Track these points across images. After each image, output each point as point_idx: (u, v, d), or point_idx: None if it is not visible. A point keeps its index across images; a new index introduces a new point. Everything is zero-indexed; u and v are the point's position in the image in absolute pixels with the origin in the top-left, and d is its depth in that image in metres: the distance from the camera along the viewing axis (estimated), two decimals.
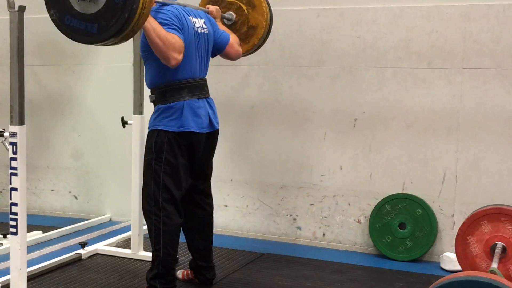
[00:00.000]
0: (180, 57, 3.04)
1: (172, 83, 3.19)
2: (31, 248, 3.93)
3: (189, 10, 3.28)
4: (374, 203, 4.27)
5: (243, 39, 3.70)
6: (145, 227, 3.54)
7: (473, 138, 4.04)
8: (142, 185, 3.36)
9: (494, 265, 3.02)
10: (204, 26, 3.33)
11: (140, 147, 3.94)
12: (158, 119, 3.21)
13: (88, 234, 4.53)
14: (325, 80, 4.39)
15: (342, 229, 4.42)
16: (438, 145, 4.12)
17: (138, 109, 4.00)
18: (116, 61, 4.83)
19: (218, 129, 3.40)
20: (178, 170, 3.21)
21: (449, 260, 3.93)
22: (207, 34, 3.34)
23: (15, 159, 2.89)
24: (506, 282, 2.42)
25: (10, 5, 2.83)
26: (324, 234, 4.47)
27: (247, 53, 3.77)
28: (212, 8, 3.55)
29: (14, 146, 2.88)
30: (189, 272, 3.62)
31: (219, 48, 3.47)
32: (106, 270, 3.83)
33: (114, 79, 4.94)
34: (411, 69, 4.15)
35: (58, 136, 5.24)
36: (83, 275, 3.74)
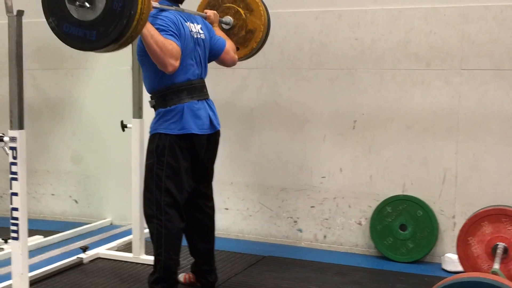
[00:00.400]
0: (177, 63, 3.04)
1: (170, 87, 3.19)
2: (32, 252, 3.92)
3: (186, 16, 3.28)
4: (374, 204, 4.27)
5: (241, 43, 3.70)
6: (146, 230, 3.53)
7: (472, 138, 4.04)
8: (143, 189, 3.35)
9: (496, 266, 3.02)
10: (201, 32, 3.34)
11: (140, 150, 3.94)
12: (159, 122, 3.22)
13: (89, 238, 4.52)
14: (324, 82, 4.39)
15: (343, 231, 4.42)
16: (437, 146, 4.13)
17: (138, 113, 4.00)
18: (115, 65, 4.83)
19: (219, 130, 3.40)
20: (180, 173, 3.21)
21: (451, 261, 3.93)
22: (203, 39, 3.34)
23: (15, 163, 2.89)
24: (508, 283, 2.42)
25: (9, 10, 2.83)
26: (325, 236, 4.47)
27: (245, 57, 3.78)
28: (210, 13, 3.55)
29: (14, 151, 2.88)
30: (191, 275, 3.61)
31: (214, 54, 3.47)
32: (108, 274, 3.83)
33: (113, 82, 4.95)
34: (410, 71, 4.16)
35: (58, 140, 5.24)
36: (85, 279, 3.74)
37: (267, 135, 4.58)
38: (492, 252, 3.22)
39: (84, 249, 4.11)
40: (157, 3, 3.15)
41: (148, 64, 3.16)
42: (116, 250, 4.28)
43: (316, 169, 4.46)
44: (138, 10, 2.58)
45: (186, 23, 3.22)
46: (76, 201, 5.24)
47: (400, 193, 4.22)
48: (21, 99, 2.89)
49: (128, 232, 4.53)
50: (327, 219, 4.46)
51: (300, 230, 4.54)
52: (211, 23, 3.52)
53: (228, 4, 3.71)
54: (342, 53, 4.32)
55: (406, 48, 4.15)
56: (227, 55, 3.51)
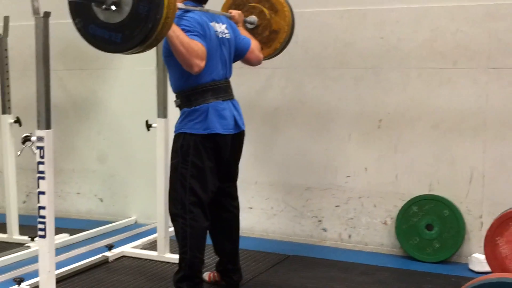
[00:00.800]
0: (202, 64, 3.05)
1: (196, 87, 3.20)
2: (58, 250, 3.95)
3: (211, 16, 3.29)
4: (400, 204, 4.23)
5: (265, 43, 3.70)
6: (171, 229, 3.55)
7: (500, 138, 3.99)
8: (168, 188, 3.37)
9: None
10: (226, 31, 3.34)
11: (164, 149, 3.96)
12: (184, 122, 3.23)
13: (114, 237, 4.56)
14: (349, 81, 4.37)
15: (368, 231, 4.39)
16: (464, 145, 4.08)
17: (162, 112, 4.02)
18: (140, 65, 4.85)
19: (244, 130, 3.40)
20: (204, 173, 3.22)
21: (478, 261, 3.88)
22: (228, 39, 3.35)
23: (42, 163, 2.91)
24: None
25: (36, 11, 2.85)
26: (350, 236, 4.45)
27: (268, 57, 3.78)
28: (235, 12, 3.56)
29: (41, 150, 2.90)
30: (215, 274, 3.62)
31: (239, 54, 3.48)
32: (133, 272, 3.85)
33: (138, 82, 4.98)
34: (436, 69, 4.12)
35: (83, 139, 5.29)
36: (111, 277, 3.76)
37: (291, 135, 4.57)
38: None
39: (110, 247, 4.14)
40: (182, 4, 3.16)
41: (174, 65, 3.17)
42: (141, 249, 4.31)
43: (341, 168, 4.44)
44: (164, 15, 2.59)
45: (211, 23, 3.22)
46: (101, 200, 5.28)
47: (426, 192, 4.18)
48: (48, 99, 2.91)
49: (152, 231, 4.55)
50: (352, 218, 4.43)
51: (324, 230, 4.53)
52: (236, 23, 3.52)
53: (253, 4, 3.71)
54: (367, 52, 4.29)
55: (432, 47, 4.11)
56: (252, 54, 3.52)
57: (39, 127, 2.90)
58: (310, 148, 4.52)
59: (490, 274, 2.66)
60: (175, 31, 2.95)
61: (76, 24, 2.73)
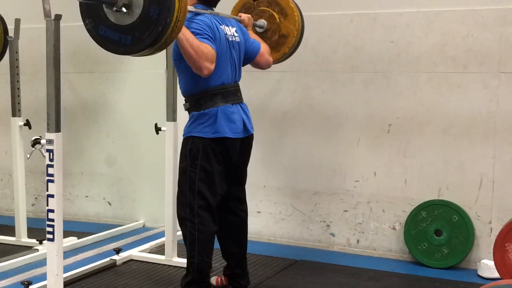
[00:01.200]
0: (212, 66, 3.05)
1: (205, 90, 3.20)
2: (66, 254, 3.95)
3: (221, 19, 3.29)
4: (409, 209, 4.21)
5: (273, 48, 3.70)
6: (179, 233, 3.54)
7: (510, 143, 3.96)
8: (176, 192, 3.36)
9: None
10: (236, 35, 3.34)
11: (173, 153, 3.95)
12: (193, 126, 3.22)
13: (122, 240, 4.56)
14: (359, 85, 4.35)
15: (376, 236, 4.37)
16: (474, 150, 4.06)
17: (172, 116, 4.01)
18: (149, 68, 4.86)
19: (252, 134, 3.40)
20: (213, 176, 3.21)
21: (487, 267, 3.85)
22: (238, 42, 3.34)
23: (51, 166, 2.90)
24: None
25: (47, 14, 2.85)
26: (358, 241, 4.43)
27: (277, 61, 3.78)
28: (244, 16, 3.56)
29: (51, 153, 2.90)
30: (223, 278, 3.61)
31: (249, 57, 3.48)
32: (140, 276, 3.85)
33: (147, 85, 4.98)
34: (446, 74, 4.10)
35: (92, 142, 5.29)
36: (118, 281, 3.76)
37: (300, 139, 4.56)
38: None
39: (117, 250, 4.14)
40: (192, 7, 3.16)
41: (183, 68, 3.17)
42: (149, 252, 4.30)
43: (349, 173, 4.43)
44: (174, 18, 2.59)
45: (221, 26, 3.23)
46: (109, 203, 5.28)
47: (435, 197, 4.16)
48: (58, 102, 2.91)
49: (160, 235, 4.55)
50: (360, 223, 4.41)
51: (332, 235, 4.51)
52: (245, 27, 3.52)
53: (263, 8, 3.71)
54: (377, 56, 4.27)
55: (443, 51, 4.09)
56: (262, 58, 3.52)
57: (48, 130, 2.90)
58: (318, 152, 4.50)
59: (499, 281, 2.63)
60: (185, 34, 2.95)
61: (86, 25, 2.74)
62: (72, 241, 4.43)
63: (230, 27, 3.32)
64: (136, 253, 4.23)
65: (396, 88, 4.25)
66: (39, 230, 3.78)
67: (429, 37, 4.13)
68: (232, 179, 3.37)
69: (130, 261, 4.14)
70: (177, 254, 4.09)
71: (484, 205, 4.05)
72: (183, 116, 3.54)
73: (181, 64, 3.16)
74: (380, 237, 4.36)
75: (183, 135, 3.29)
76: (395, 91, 4.25)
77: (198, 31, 3.06)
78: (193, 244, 3.22)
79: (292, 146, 4.59)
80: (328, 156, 4.48)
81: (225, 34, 3.23)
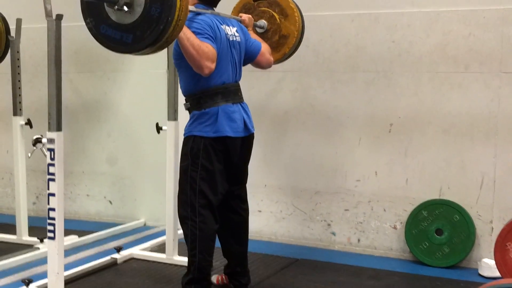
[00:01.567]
0: (213, 66, 3.06)
1: (206, 90, 3.20)
2: (67, 252, 3.95)
3: (221, 19, 3.29)
4: (410, 208, 4.22)
5: (274, 48, 3.70)
6: (180, 232, 3.55)
7: (511, 142, 3.96)
8: (177, 191, 3.36)
9: None
10: (236, 34, 3.34)
11: (174, 152, 3.95)
12: (194, 125, 3.23)
13: (123, 239, 4.57)
14: (360, 85, 4.35)
15: (377, 235, 4.37)
16: (475, 150, 4.06)
17: (173, 115, 4.02)
18: (151, 68, 4.87)
19: (253, 133, 3.40)
20: (214, 175, 3.21)
21: (488, 266, 3.86)
22: (239, 42, 3.35)
23: (52, 165, 2.90)
24: None
25: (48, 14, 2.85)
26: (359, 240, 4.43)
27: (277, 61, 3.77)
28: (245, 16, 3.56)
29: (52, 152, 2.90)
30: (224, 277, 3.62)
31: (250, 57, 3.48)
32: (141, 275, 3.85)
33: (148, 85, 4.98)
34: (448, 74, 4.10)
35: (93, 142, 5.30)
36: (119, 279, 3.77)
37: (301, 138, 4.56)
38: None
39: (118, 249, 4.14)
40: (193, 7, 3.16)
41: (184, 67, 3.17)
42: (150, 251, 4.30)
43: (350, 172, 4.43)
44: (175, 17, 2.59)
45: (222, 26, 3.23)
46: (110, 202, 5.28)
47: (436, 197, 4.16)
48: (60, 102, 2.91)
49: (161, 233, 4.56)
50: (361, 222, 4.42)
51: (333, 233, 4.51)
52: (246, 27, 3.52)
53: (264, 8, 3.71)
54: (379, 56, 4.27)
55: (444, 51, 4.09)
56: (263, 57, 3.52)
57: (50, 129, 2.90)
58: (320, 151, 4.50)
59: (500, 280, 2.63)
60: (186, 33, 2.96)
61: (87, 23, 2.74)
62: (73, 239, 4.44)
63: (231, 27, 3.33)
64: (137, 251, 4.23)
65: (397, 88, 4.25)
66: (40, 228, 3.78)
67: (430, 37, 4.13)
68: (233, 178, 3.37)
69: (131, 260, 4.15)
70: (178, 252, 4.09)
71: (485, 205, 4.05)
72: (184, 116, 3.54)
73: (182, 63, 3.16)
74: (381, 236, 4.36)
75: (184, 134, 3.29)
76: (396, 91, 4.25)
77: (199, 30, 3.06)
78: (194, 242, 3.22)
79: (293, 146, 4.60)
80: (329, 155, 4.48)
81: (226, 34, 3.24)
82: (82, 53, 5.14)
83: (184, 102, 3.32)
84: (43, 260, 3.62)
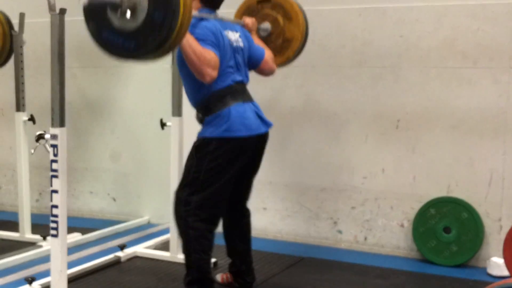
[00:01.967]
0: (214, 73, 3.01)
1: (212, 94, 3.15)
2: (70, 250, 3.93)
3: (225, 24, 3.25)
4: (417, 206, 4.17)
5: (277, 51, 3.66)
6: None
7: None
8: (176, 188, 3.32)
9: None
10: (240, 40, 3.31)
11: (178, 148, 3.92)
12: (205, 128, 3.19)
13: (127, 237, 4.54)
14: (367, 81, 4.31)
15: (384, 233, 4.32)
16: (484, 146, 4.01)
17: (177, 111, 3.97)
18: (155, 63, 4.81)
19: (268, 133, 3.34)
20: (217, 177, 3.16)
21: (497, 265, 3.81)
22: (242, 48, 3.31)
23: (55, 161, 2.88)
24: None
25: (51, 8, 2.83)
26: (366, 238, 4.38)
27: (281, 65, 3.72)
28: (248, 20, 3.51)
29: (55, 148, 2.88)
30: (228, 275, 3.59)
31: (253, 64, 3.44)
32: (145, 273, 3.82)
33: (152, 80, 4.94)
34: (456, 69, 4.05)
35: (97, 138, 5.27)
36: (123, 277, 3.74)
37: (307, 134, 4.52)
38: None
39: (122, 247, 4.11)
40: (196, 12, 3.11)
41: (187, 74, 3.13)
42: (154, 249, 4.27)
43: (357, 169, 4.38)
44: (178, 23, 2.55)
45: (225, 32, 3.19)
46: (114, 199, 5.25)
47: (444, 194, 4.12)
48: (63, 97, 2.89)
49: (165, 231, 4.52)
50: (368, 220, 4.37)
51: (340, 232, 4.47)
52: (249, 31, 3.48)
53: (267, 11, 3.66)
54: (386, 51, 4.22)
55: (453, 46, 4.04)
56: (266, 65, 3.48)
57: (53, 125, 2.89)
58: (326, 148, 4.46)
59: (508, 279, 2.59)
60: (188, 40, 2.92)
61: (89, 28, 2.69)
62: (76, 237, 4.42)
63: (234, 32, 3.29)
64: (140, 249, 4.20)
65: (405, 83, 4.20)
66: (43, 226, 3.76)
67: (438, 31, 4.08)
68: (239, 180, 3.32)
69: (135, 258, 4.12)
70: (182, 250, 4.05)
71: (494, 202, 4.00)
72: (189, 111, 3.49)
73: (185, 69, 3.11)
74: (388, 234, 4.32)
75: (196, 137, 3.25)
76: (404, 86, 4.20)
77: (201, 37, 3.02)
78: (188, 242, 3.19)
79: (299, 142, 4.55)
80: (336, 152, 4.43)
81: (229, 40, 3.20)
82: (86, 48, 5.02)
83: (195, 115, 3.26)
84: (46, 258, 3.58)
